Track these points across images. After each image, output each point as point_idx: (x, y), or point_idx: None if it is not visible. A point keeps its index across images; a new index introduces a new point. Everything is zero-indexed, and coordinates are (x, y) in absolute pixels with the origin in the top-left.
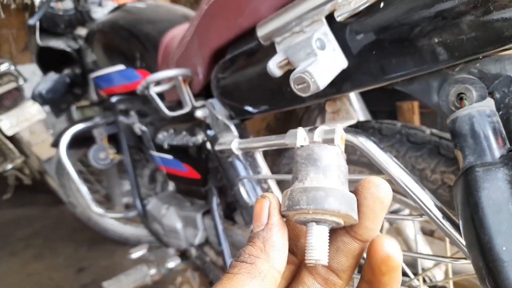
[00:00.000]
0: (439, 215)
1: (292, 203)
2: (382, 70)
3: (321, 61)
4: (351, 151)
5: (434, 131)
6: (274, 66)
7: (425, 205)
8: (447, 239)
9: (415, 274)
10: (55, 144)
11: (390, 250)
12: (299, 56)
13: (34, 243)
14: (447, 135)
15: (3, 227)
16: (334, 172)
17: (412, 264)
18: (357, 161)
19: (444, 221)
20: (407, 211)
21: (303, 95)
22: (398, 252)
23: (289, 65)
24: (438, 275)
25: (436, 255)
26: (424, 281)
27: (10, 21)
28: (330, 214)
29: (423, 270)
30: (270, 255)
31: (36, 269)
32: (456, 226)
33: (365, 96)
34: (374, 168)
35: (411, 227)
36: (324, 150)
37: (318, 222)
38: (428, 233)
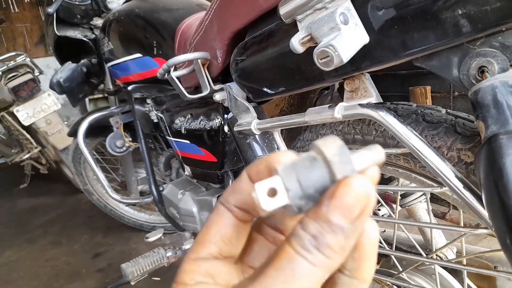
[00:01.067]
0: (460, 185)
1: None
2: (403, 45)
3: (344, 35)
4: (366, 131)
5: (450, 110)
6: (296, 43)
7: (445, 176)
8: (461, 212)
9: (428, 254)
10: (73, 133)
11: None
12: (322, 31)
13: (51, 230)
14: (463, 114)
15: (21, 215)
16: None
17: (424, 245)
18: (373, 141)
19: (465, 191)
20: (418, 194)
21: (326, 69)
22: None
23: (312, 41)
24: (450, 255)
25: (453, 225)
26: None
27: (24, 15)
28: None
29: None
30: (345, 254)
31: (54, 255)
32: (477, 196)
33: (377, 81)
34: (391, 146)
35: (422, 210)
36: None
37: None
38: (439, 215)
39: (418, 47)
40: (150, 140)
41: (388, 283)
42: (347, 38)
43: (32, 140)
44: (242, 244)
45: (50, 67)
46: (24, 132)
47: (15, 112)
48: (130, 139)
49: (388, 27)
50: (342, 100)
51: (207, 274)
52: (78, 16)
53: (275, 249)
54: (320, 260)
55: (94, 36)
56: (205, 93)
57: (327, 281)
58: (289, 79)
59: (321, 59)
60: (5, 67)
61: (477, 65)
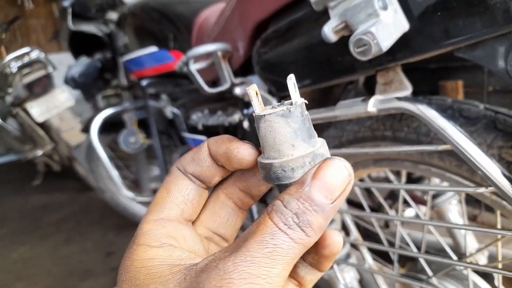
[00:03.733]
0: (507, 184)
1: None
2: (446, 33)
3: (383, 22)
4: (397, 127)
5: (488, 106)
6: (329, 31)
7: (492, 175)
8: (499, 214)
9: (460, 258)
10: (86, 129)
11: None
12: (358, 18)
13: (64, 227)
14: (504, 110)
15: (33, 212)
16: (304, 133)
17: (453, 248)
18: (404, 138)
19: None
20: (449, 194)
21: (363, 58)
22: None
23: (346, 29)
24: (481, 261)
25: (491, 227)
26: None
27: (38, 12)
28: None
29: (464, 255)
30: (321, 233)
31: (67, 252)
32: None
33: (405, 75)
34: (424, 143)
35: (453, 212)
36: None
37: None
38: (470, 218)
39: (462, 35)
40: (164, 137)
41: None
42: (387, 25)
43: (46, 137)
44: (200, 209)
45: (63, 63)
46: (38, 128)
47: (28, 108)
48: (144, 135)
49: (430, 14)
50: (367, 96)
51: (169, 236)
52: (93, 10)
53: (255, 222)
54: (300, 237)
55: (108, 30)
56: (225, 86)
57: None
58: (317, 71)
59: (357, 48)
60: (21, 63)
61: None
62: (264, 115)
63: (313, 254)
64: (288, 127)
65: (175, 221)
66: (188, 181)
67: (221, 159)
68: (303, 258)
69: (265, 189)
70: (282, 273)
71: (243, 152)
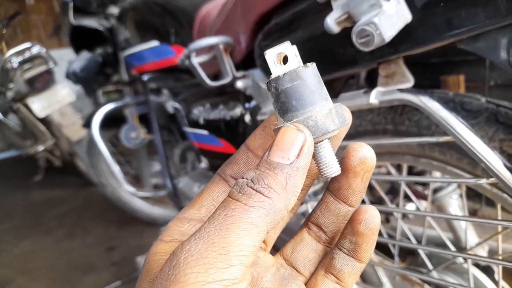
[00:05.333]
0: (509, 176)
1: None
2: (449, 24)
3: (386, 12)
4: (398, 121)
5: (490, 99)
6: (332, 22)
7: (494, 167)
8: (499, 207)
9: (460, 251)
10: (87, 124)
11: (367, 153)
12: (361, 8)
13: (66, 222)
14: (505, 103)
15: (35, 207)
16: (321, 92)
17: (454, 242)
18: (405, 131)
19: None
20: (450, 188)
21: (365, 49)
22: (373, 156)
23: (348, 20)
24: (481, 254)
25: (492, 219)
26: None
27: (39, 7)
28: (331, 132)
29: (464, 249)
30: (288, 195)
31: (69, 247)
32: None
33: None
34: (428, 135)
35: (453, 206)
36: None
37: (319, 142)
38: (471, 212)
39: (465, 26)
40: (165, 132)
41: (418, 281)
42: (389, 15)
43: (47, 132)
44: None
45: (63, 59)
46: (39, 124)
47: (30, 103)
48: (146, 130)
49: (433, 5)
50: (369, 88)
51: (184, 234)
52: (94, 4)
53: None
54: (256, 200)
55: (109, 25)
56: (227, 80)
57: (326, 256)
58: (319, 63)
59: (360, 39)
60: (21, 58)
61: None
62: (284, 73)
63: (350, 235)
64: (306, 85)
65: (197, 220)
66: (222, 183)
67: (259, 140)
68: (339, 245)
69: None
70: (243, 240)
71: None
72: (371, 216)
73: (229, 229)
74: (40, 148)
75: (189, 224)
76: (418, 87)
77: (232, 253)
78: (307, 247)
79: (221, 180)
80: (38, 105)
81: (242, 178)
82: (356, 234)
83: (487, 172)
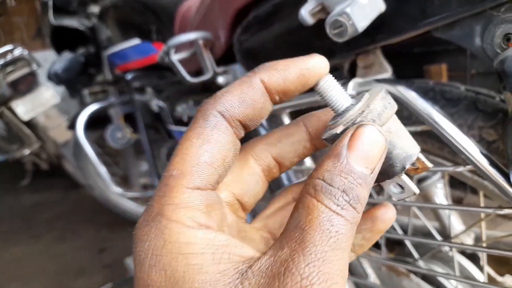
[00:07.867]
0: (485, 162)
1: None
2: (423, 13)
3: (359, 3)
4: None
5: (469, 87)
6: (306, 14)
7: (470, 153)
8: (482, 194)
9: (445, 240)
10: (72, 125)
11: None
12: None
13: (55, 226)
14: (484, 91)
15: (24, 212)
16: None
17: (440, 231)
18: None
19: (491, 169)
20: (435, 177)
21: (339, 40)
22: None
23: (322, 12)
24: (467, 242)
25: (475, 206)
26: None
27: (21, 9)
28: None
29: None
30: (362, 210)
31: (60, 250)
32: (504, 174)
33: (388, 61)
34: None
35: (439, 195)
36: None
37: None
38: (455, 200)
39: (438, 14)
40: (152, 131)
41: (404, 270)
42: (362, 5)
43: (32, 135)
44: (229, 168)
45: (47, 61)
46: (24, 127)
47: (14, 107)
48: (131, 130)
49: None
50: (347, 79)
51: (208, 216)
52: (74, 4)
53: (299, 206)
54: (353, 216)
55: (91, 24)
56: (208, 76)
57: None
58: (297, 56)
59: (333, 30)
60: (3, 61)
61: (502, 33)
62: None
63: (366, 232)
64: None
65: (213, 191)
66: (230, 132)
67: (291, 86)
68: None
69: (297, 160)
70: (347, 260)
71: (317, 61)
72: (393, 215)
73: (342, 250)
74: (26, 151)
75: (208, 199)
76: (402, 77)
77: (343, 278)
78: None
79: (226, 127)
80: (23, 108)
81: (326, 182)
82: (375, 232)
83: (465, 159)
